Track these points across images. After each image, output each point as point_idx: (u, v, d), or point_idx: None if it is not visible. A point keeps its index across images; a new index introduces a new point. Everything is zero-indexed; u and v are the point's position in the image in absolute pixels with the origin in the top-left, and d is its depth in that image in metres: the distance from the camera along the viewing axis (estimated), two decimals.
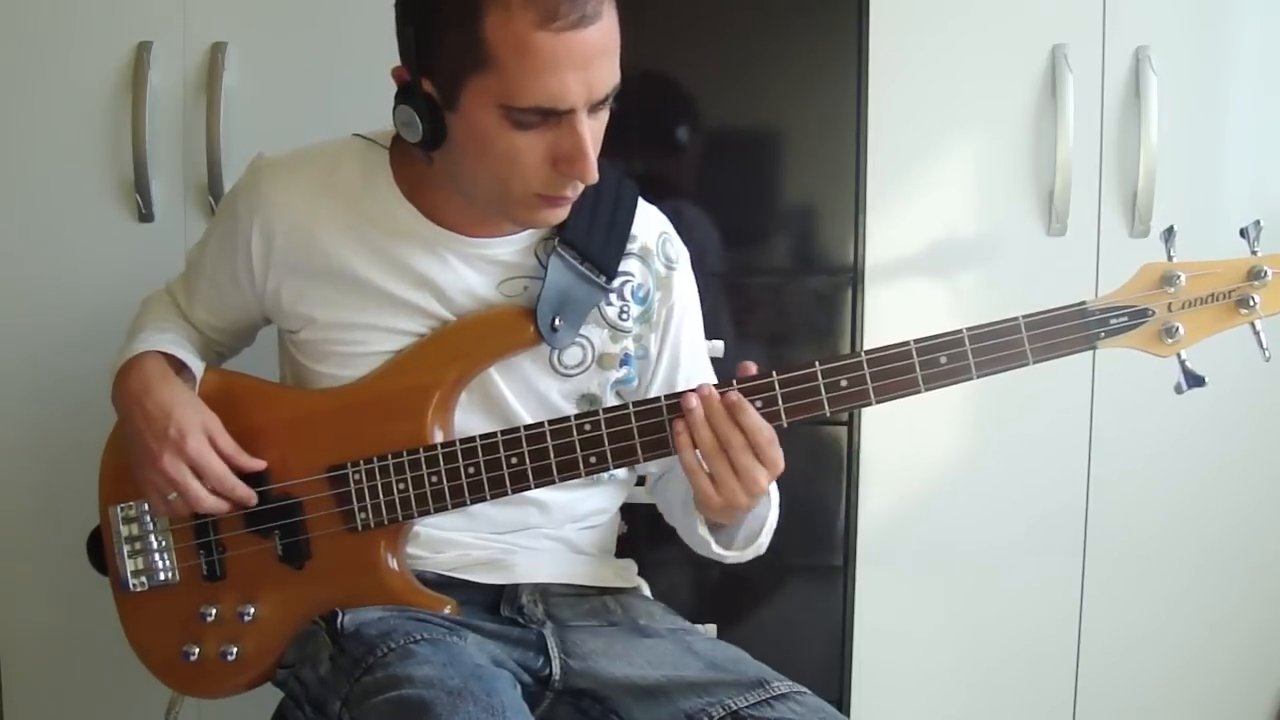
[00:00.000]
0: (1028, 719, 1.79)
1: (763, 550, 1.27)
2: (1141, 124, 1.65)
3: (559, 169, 1.12)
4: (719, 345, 1.64)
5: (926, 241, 1.72)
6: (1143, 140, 1.65)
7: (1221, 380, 1.68)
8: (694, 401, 1.13)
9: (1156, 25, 1.67)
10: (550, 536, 1.32)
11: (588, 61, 1.07)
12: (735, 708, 1.13)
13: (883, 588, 1.77)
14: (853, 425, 1.75)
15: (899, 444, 1.75)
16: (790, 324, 1.75)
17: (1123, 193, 1.69)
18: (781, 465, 1.15)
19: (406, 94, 1.13)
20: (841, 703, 1.76)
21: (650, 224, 1.33)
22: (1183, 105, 1.67)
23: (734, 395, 1.13)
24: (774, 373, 1.14)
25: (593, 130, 1.11)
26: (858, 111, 1.69)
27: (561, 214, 1.18)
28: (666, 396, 1.16)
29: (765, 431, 1.13)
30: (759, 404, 1.14)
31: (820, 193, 1.73)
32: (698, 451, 1.14)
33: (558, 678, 1.23)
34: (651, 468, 1.37)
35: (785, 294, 1.75)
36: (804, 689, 1.18)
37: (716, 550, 1.25)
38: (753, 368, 1.16)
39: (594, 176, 1.12)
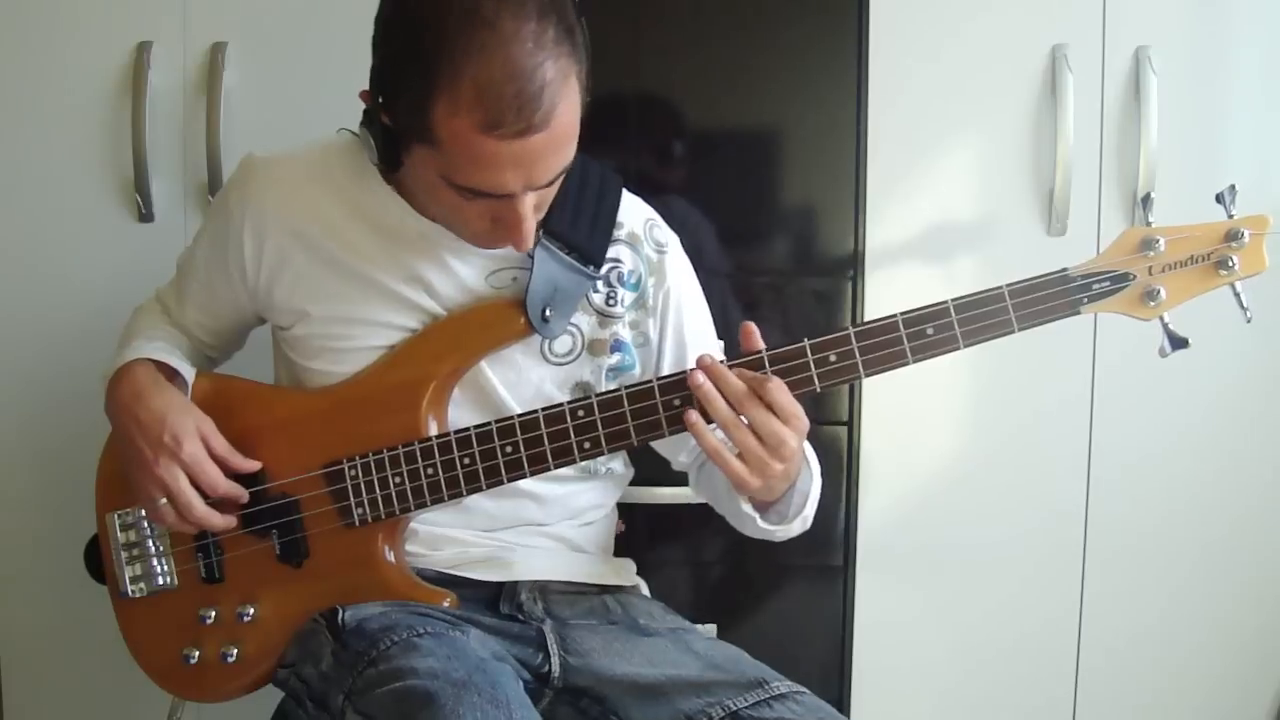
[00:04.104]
0: (1028, 718, 1.79)
1: (809, 524, 1.26)
2: (1141, 124, 1.65)
3: (497, 229, 1.14)
4: (720, 345, 1.64)
5: (926, 241, 1.72)
6: (1143, 140, 1.65)
7: (1221, 378, 1.69)
8: (700, 377, 1.13)
9: (1156, 25, 1.67)
10: (548, 534, 1.33)
11: (531, 163, 1.08)
12: (735, 708, 1.14)
13: (882, 588, 1.77)
14: (852, 425, 1.75)
15: (898, 444, 1.75)
16: (790, 323, 1.74)
17: (1123, 192, 1.69)
18: (801, 416, 1.13)
19: (370, 116, 1.16)
20: (841, 703, 1.76)
21: (636, 212, 1.33)
22: (1183, 105, 1.67)
23: (705, 357, 1.14)
24: (763, 351, 1.15)
25: (541, 196, 1.14)
26: (858, 111, 1.69)
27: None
28: (659, 378, 1.17)
29: (769, 381, 1.12)
30: None
31: (820, 192, 1.73)
32: (717, 433, 1.13)
33: (557, 675, 1.23)
34: (682, 457, 1.38)
35: (785, 293, 1.75)
36: (803, 689, 1.18)
37: (763, 526, 1.25)
38: (755, 334, 1.16)
39: (526, 248, 1.15)
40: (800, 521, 1.25)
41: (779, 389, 1.12)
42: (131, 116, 1.70)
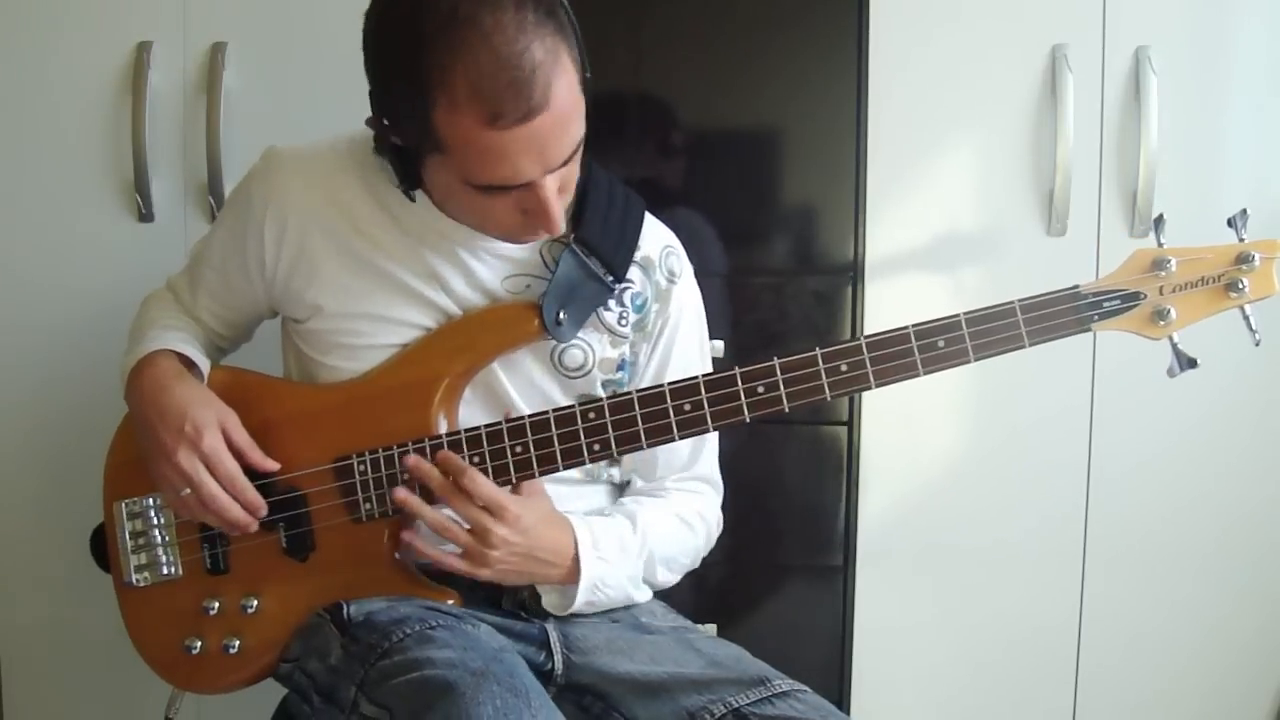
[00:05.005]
0: (1028, 718, 1.79)
1: (614, 604, 1.29)
2: (1141, 124, 1.65)
3: (528, 219, 1.15)
4: (719, 345, 1.64)
5: (926, 241, 1.72)
6: (1143, 140, 1.65)
7: (1221, 378, 1.69)
8: (403, 493, 1.18)
9: (1156, 25, 1.67)
10: None
11: (542, 145, 1.08)
12: (736, 705, 1.14)
13: (883, 588, 1.77)
14: (853, 425, 1.75)
15: (899, 443, 1.75)
16: (790, 324, 1.74)
17: (1123, 193, 1.69)
18: (507, 507, 1.16)
19: (380, 142, 1.17)
20: (841, 702, 1.76)
21: (656, 237, 1.35)
22: (1183, 105, 1.67)
23: (411, 458, 1.18)
24: (775, 358, 1.16)
25: (562, 177, 1.14)
26: (858, 111, 1.70)
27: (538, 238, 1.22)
28: (670, 384, 1.18)
29: (465, 473, 1.16)
30: (761, 389, 1.15)
31: (820, 192, 1.73)
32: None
33: (560, 673, 1.23)
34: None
35: (785, 294, 1.75)
36: (805, 687, 1.18)
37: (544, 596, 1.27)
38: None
39: (558, 230, 1.16)
40: (587, 606, 1.26)
41: (472, 480, 1.16)
42: (131, 116, 1.70)
